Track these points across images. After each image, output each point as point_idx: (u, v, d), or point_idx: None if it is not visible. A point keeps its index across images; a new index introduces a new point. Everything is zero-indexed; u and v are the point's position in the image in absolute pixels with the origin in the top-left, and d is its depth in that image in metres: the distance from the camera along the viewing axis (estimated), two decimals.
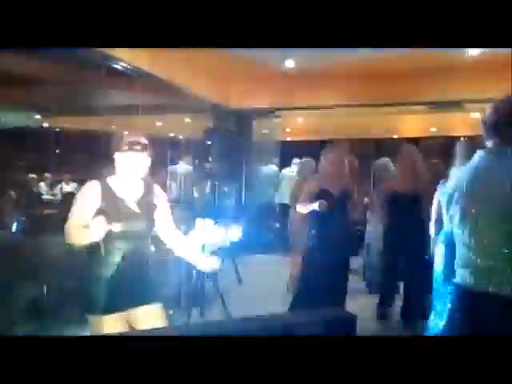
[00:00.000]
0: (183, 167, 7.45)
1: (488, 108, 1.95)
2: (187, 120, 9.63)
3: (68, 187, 7.98)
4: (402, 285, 4.95)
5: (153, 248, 2.77)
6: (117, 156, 2.50)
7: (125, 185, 2.55)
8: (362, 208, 5.50)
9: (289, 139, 12.73)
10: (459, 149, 3.43)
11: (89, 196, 2.46)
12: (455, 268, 1.97)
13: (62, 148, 8.03)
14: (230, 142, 5.78)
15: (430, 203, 4.32)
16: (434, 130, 11.41)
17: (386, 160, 5.87)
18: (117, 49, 5.02)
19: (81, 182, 7.53)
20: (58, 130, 9.05)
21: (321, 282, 4.06)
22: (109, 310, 2.44)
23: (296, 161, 8.29)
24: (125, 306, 2.50)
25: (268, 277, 6.32)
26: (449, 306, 2.00)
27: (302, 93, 7.86)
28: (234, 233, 5.41)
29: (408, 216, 4.36)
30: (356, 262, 5.96)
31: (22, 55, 4.96)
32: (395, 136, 11.72)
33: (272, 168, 9.72)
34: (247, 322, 1.39)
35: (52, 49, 2.16)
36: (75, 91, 7.10)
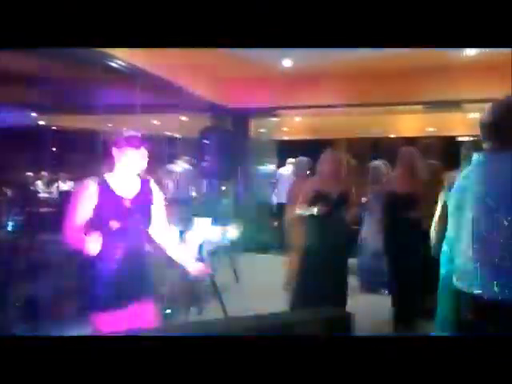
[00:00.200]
0: (180, 166, 7.44)
1: (486, 109, 1.94)
2: (184, 119, 9.62)
3: (65, 185, 7.96)
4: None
5: (149, 246, 2.78)
6: (115, 152, 2.50)
7: (122, 181, 2.54)
8: (360, 209, 5.51)
9: (286, 138, 12.74)
10: (464, 150, 3.42)
11: (85, 194, 2.44)
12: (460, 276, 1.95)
13: (58, 146, 8.01)
14: (228, 140, 5.77)
15: (429, 204, 4.32)
16: (431, 129, 11.42)
17: (379, 163, 5.90)
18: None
19: (77, 180, 7.53)
20: (54, 128, 9.03)
21: (320, 284, 4.07)
22: (109, 307, 2.44)
23: (290, 160, 8.30)
24: (125, 303, 2.51)
25: (266, 276, 6.32)
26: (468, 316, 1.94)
27: (299, 92, 7.85)
28: (232, 232, 5.41)
29: (407, 217, 4.36)
30: (351, 262, 5.98)
31: (18, 53, 4.93)
32: (392, 135, 11.75)
33: (269, 167, 9.72)
34: (244, 321, 1.39)
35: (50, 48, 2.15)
36: (72, 89, 7.07)
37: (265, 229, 8.31)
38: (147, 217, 2.63)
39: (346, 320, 1.42)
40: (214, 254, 5.53)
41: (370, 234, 5.81)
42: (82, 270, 2.52)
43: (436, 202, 3.12)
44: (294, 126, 12.00)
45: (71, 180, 7.98)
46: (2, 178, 6.22)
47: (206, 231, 4.64)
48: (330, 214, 4.09)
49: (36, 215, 5.85)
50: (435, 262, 3.28)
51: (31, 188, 7.47)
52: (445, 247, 3.03)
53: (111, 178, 2.52)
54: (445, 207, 2.03)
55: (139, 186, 2.61)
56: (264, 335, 1.24)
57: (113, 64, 5.34)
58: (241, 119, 8.75)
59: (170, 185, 7.47)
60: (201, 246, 4.50)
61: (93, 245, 2.27)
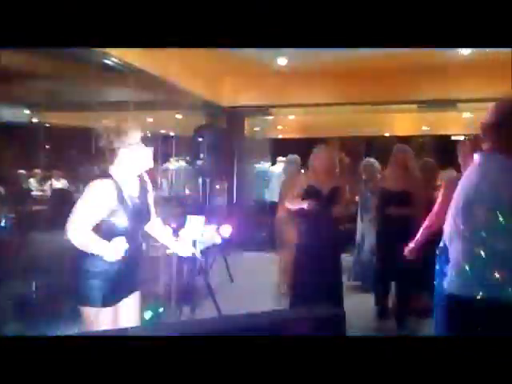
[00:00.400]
0: (174, 164, 7.44)
1: (488, 109, 1.92)
2: (178, 117, 9.59)
3: (58, 183, 7.92)
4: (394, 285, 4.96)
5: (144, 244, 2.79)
6: (124, 152, 2.46)
7: (129, 181, 2.53)
8: (353, 206, 5.51)
9: (280, 137, 12.74)
10: (462, 149, 3.42)
11: (103, 196, 2.39)
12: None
13: (51, 144, 7.97)
14: (222, 139, 5.75)
15: (422, 201, 4.32)
16: (425, 128, 11.46)
17: (372, 160, 5.91)
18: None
19: (71, 179, 7.48)
20: (47, 125, 8.98)
21: (312, 282, 4.06)
22: (109, 302, 2.48)
23: (281, 158, 8.31)
24: (122, 297, 2.57)
25: (259, 274, 6.32)
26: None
27: (294, 90, 7.85)
28: (225, 230, 5.39)
29: (400, 214, 4.36)
30: (347, 261, 5.98)
31: (9, 50, 4.90)
32: (387, 134, 11.77)
33: (263, 165, 9.71)
34: (238, 320, 1.38)
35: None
36: (65, 86, 7.02)
37: (259, 227, 8.31)
38: (150, 212, 2.68)
39: (337, 319, 1.41)
40: (207, 253, 5.52)
41: (365, 231, 5.82)
42: (81, 266, 2.48)
43: (428, 200, 3.13)
44: (288, 124, 12.01)
45: (64, 178, 7.93)
46: None
47: (199, 229, 4.62)
48: (321, 210, 4.09)
49: (29, 213, 5.82)
50: (426, 262, 3.29)
51: (24, 186, 7.42)
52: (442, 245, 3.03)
53: (118, 178, 2.48)
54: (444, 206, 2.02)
55: (138, 182, 2.61)
56: (257, 335, 1.23)
57: (107, 61, 5.32)
58: (235, 117, 8.74)
59: (164, 183, 7.46)
60: (194, 245, 4.49)
61: (118, 249, 2.32)
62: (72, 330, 2.83)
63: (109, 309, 2.48)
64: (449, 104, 7.68)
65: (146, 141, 2.54)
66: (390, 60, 6.32)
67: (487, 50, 5.44)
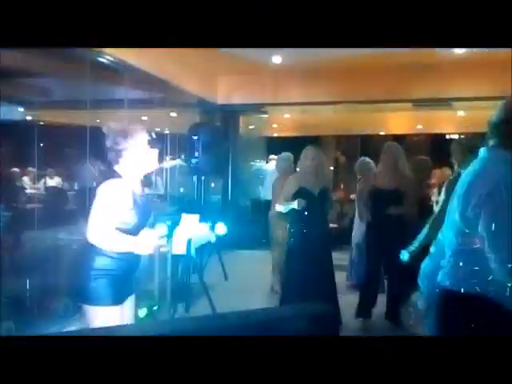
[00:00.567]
0: (169, 162, 7.41)
1: (497, 106, 1.95)
2: (173, 115, 9.57)
3: (52, 182, 7.88)
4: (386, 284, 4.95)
5: None
6: (134, 154, 2.49)
7: (137, 181, 2.58)
8: (348, 205, 5.52)
9: (275, 135, 12.73)
10: (455, 147, 3.41)
11: (119, 195, 2.40)
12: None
13: (45, 142, 7.93)
14: (217, 137, 5.75)
15: (413, 200, 4.33)
16: (420, 127, 11.48)
17: (367, 160, 5.91)
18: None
19: (66, 177, 7.44)
20: (41, 123, 8.94)
21: (305, 280, 4.07)
22: (118, 300, 2.51)
23: (273, 157, 8.30)
24: (128, 295, 2.63)
25: (254, 272, 6.32)
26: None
27: (289, 89, 7.85)
28: (220, 228, 5.38)
29: (390, 213, 4.34)
30: (343, 260, 6.00)
31: (3, 48, 4.87)
32: (382, 133, 11.78)
33: (258, 164, 9.70)
34: (232, 317, 1.37)
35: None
36: (60, 84, 6.99)
37: (253, 225, 8.30)
38: (152, 210, 2.71)
39: (330, 317, 1.41)
40: (202, 251, 5.51)
41: (362, 230, 5.81)
42: (86, 266, 2.48)
43: (421, 198, 3.13)
44: (283, 122, 12.01)
45: (58, 176, 7.90)
46: None
47: (194, 228, 4.62)
48: (311, 210, 4.14)
49: (23, 211, 5.79)
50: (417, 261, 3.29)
51: (17, 184, 7.38)
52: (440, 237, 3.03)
53: (126, 177, 2.50)
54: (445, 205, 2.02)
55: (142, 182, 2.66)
56: (249, 335, 1.23)
57: (101, 59, 5.30)
58: (230, 116, 8.72)
59: (159, 181, 7.44)
60: (189, 243, 4.48)
61: (149, 242, 2.41)
62: (67, 329, 2.82)
63: (117, 307, 2.50)
64: (444, 103, 7.69)
65: (151, 143, 2.56)
66: (384, 59, 6.33)
67: (482, 48, 5.44)
